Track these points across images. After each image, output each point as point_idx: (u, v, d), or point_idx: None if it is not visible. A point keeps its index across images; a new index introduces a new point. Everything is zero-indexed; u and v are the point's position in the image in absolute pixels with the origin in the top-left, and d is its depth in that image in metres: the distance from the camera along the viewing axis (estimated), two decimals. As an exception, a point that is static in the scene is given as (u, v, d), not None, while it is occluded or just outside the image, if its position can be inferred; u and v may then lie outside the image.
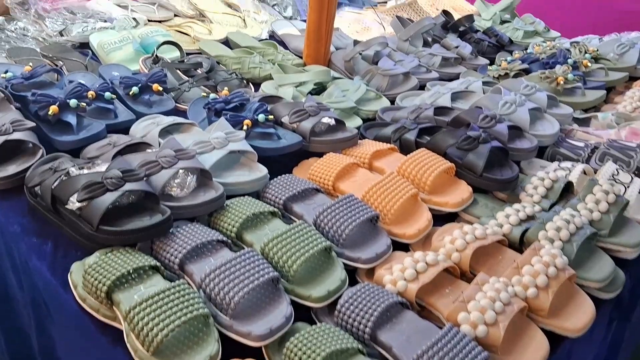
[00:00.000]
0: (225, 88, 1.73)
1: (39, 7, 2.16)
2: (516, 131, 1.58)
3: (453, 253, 1.17)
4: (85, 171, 1.21)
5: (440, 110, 1.67)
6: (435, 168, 1.37)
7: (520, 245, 1.26)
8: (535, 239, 1.23)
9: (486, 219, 1.31)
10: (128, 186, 1.17)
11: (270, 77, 1.95)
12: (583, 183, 1.43)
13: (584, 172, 1.48)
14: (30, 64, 1.67)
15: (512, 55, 2.31)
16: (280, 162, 1.50)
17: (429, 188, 1.35)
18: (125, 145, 1.38)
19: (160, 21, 2.35)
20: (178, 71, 1.89)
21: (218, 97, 1.67)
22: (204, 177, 1.30)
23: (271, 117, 1.55)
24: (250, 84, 1.94)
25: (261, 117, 1.52)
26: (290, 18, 2.51)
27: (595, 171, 1.52)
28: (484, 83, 1.88)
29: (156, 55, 1.92)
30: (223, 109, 1.58)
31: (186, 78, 1.87)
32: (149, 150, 1.34)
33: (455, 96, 1.80)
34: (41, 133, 1.46)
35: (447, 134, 1.49)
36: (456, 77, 2.09)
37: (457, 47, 2.21)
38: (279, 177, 1.37)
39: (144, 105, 1.68)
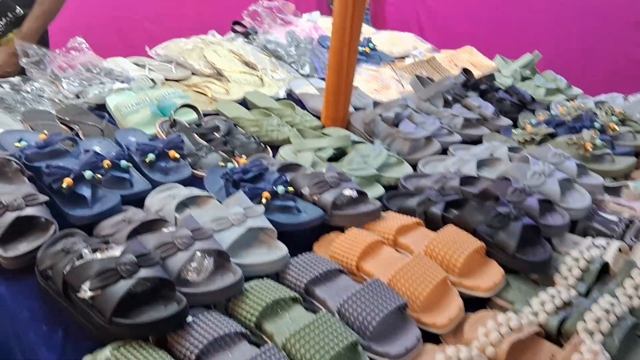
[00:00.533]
0: (243, 156, 1.69)
1: (54, 65, 2.15)
2: (546, 204, 1.51)
3: (487, 347, 1.10)
4: (99, 255, 1.16)
5: (466, 180, 1.61)
6: (465, 248, 1.30)
7: (557, 335, 1.18)
8: (573, 330, 1.16)
9: (520, 305, 1.24)
10: (143, 273, 1.11)
11: (288, 140, 1.91)
12: (619, 262, 1.36)
13: (620, 250, 1.41)
14: (45, 131, 1.64)
15: (534, 114, 2.27)
16: (300, 235, 1.44)
17: (459, 270, 1.28)
18: (141, 223, 1.33)
19: (177, 80, 2.33)
20: (195, 135, 1.86)
21: (236, 165, 1.62)
22: (221, 258, 1.24)
23: (291, 188, 1.50)
24: (268, 147, 1.89)
25: (280, 189, 1.47)
26: (308, 76, 2.49)
27: (631, 248, 1.44)
28: (510, 149, 1.82)
29: (173, 119, 1.89)
30: (241, 180, 1.53)
31: (203, 142, 1.83)
32: (164, 230, 1.28)
33: (481, 163, 1.74)
34: (54, 205, 1.42)
35: (475, 209, 1.43)
36: (479, 139, 2.04)
37: (479, 107, 2.17)
38: (299, 256, 1.31)
39: (160, 172, 1.64)
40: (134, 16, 3.95)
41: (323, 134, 1.93)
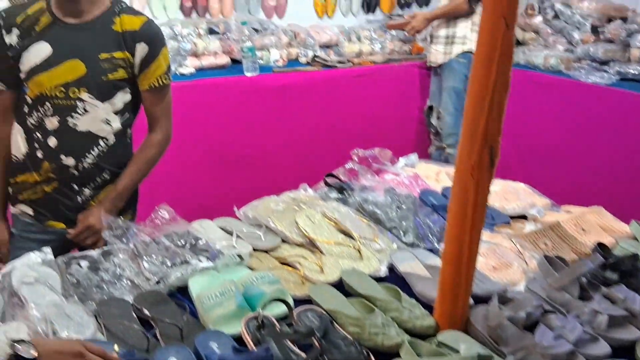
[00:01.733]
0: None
1: (137, 240, 1.98)
2: None
3: None
4: None
5: None
6: None
7: None
8: None
9: None
10: None
11: (396, 347, 1.59)
12: None
13: None
14: (116, 346, 1.41)
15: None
16: None
17: None
18: None
19: (266, 251, 2.10)
20: (287, 341, 1.58)
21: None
22: None
23: None
24: (371, 356, 1.58)
25: None
26: (412, 245, 2.19)
27: None
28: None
29: (262, 319, 1.63)
30: None
31: (295, 351, 1.55)
32: None
33: (651, 404, 1.34)
34: None
35: None
36: (630, 345, 1.64)
37: (624, 299, 1.77)
38: None
39: (244, 401, 1.36)
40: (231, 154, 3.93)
41: (440, 343, 1.60)
